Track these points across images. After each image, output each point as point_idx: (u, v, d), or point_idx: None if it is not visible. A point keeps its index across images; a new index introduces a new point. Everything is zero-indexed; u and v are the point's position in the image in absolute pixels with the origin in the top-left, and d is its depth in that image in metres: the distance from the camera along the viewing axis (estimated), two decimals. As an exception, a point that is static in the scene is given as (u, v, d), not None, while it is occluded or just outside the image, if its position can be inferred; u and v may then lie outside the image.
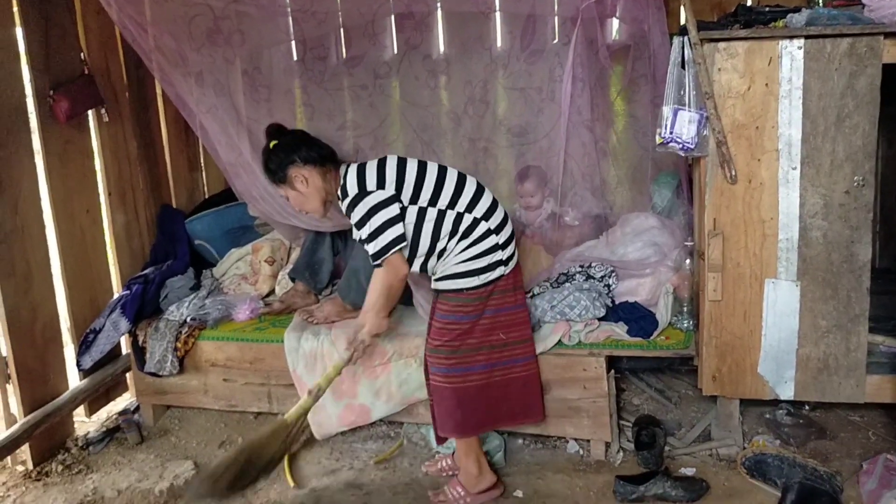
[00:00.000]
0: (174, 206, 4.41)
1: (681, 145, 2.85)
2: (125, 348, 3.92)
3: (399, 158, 2.90)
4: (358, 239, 2.89)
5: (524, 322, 3.03)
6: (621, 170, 3.93)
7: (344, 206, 2.87)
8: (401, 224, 2.79)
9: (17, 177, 3.34)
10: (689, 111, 2.82)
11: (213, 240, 4.23)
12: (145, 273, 3.94)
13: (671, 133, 2.85)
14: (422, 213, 2.83)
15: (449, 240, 2.85)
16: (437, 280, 2.93)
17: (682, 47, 2.81)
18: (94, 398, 3.80)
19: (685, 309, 3.31)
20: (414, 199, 2.83)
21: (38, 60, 3.44)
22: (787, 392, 3.02)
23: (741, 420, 3.23)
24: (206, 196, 4.66)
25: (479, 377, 2.94)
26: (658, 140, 2.88)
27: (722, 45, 2.78)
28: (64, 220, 3.63)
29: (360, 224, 2.81)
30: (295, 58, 4.06)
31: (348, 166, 2.92)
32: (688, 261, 3.34)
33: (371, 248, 2.80)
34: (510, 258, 2.91)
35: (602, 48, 3.35)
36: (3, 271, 3.27)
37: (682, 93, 2.83)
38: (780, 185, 2.85)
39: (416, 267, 2.93)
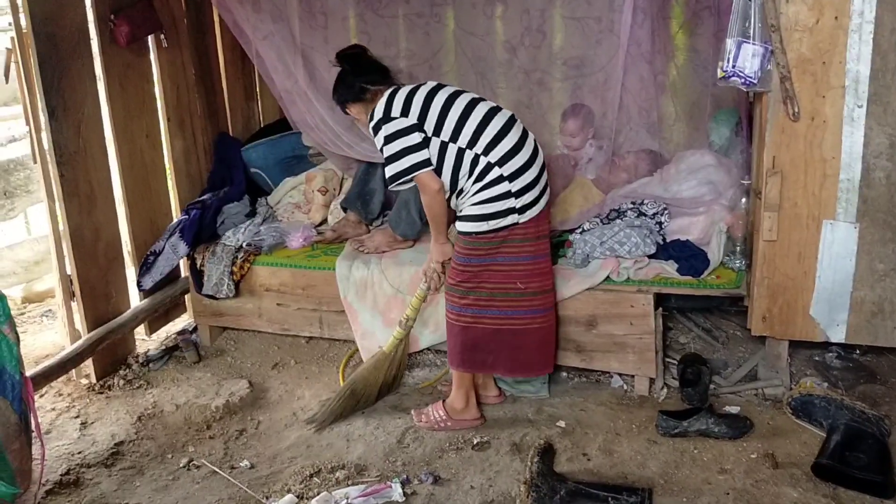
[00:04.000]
0: (230, 133, 4.47)
1: (743, 80, 2.77)
2: (184, 271, 4.04)
3: (432, 88, 2.91)
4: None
5: (545, 272, 3.01)
6: (679, 105, 3.82)
7: (370, 127, 2.95)
8: (423, 150, 2.83)
9: (80, 99, 3.42)
10: (754, 44, 2.73)
11: (268, 168, 4.29)
12: (203, 199, 4.03)
13: (734, 67, 2.76)
14: (443, 148, 2.84)
15: (466, 180, 2.86)
16: (457, 219, 2.97)
17: (750, -23, 2.71)
18: (154, 318, 3.94)
19: (738, 248, 3.26)
20: (437, 131, 2.84)
21: (100, -16, 3.48)
22: (838, 335, 2.98)
23: (789, 361, 3.21)
24: (262, 125, 4.70)
25: (491, 321, 2.97)
26: (720, 74, 2.80)
27: (791, -26, 2.68)
28: (125, 144, 3.72)
29: (382, 148, 2.91)
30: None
31: (389, 89, 2.96)
32: (743, 200, 3.27)
33: (388, 171, 2.88)
34: (527, 207, 2.85)
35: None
36: (67, 192, 3.38)
37: (746, 25, 2.74)
38: (845, 123, 2.77)
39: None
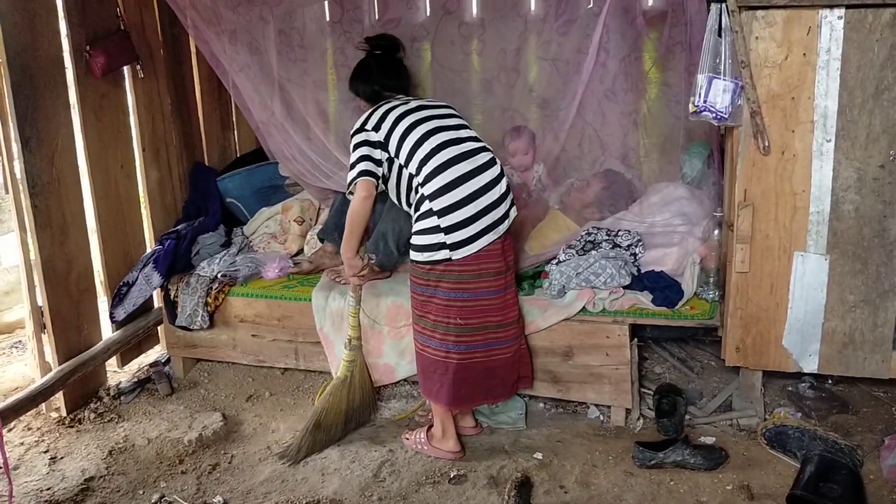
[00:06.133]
0: (206, 163, 4.46)
1: (714, 114, 2.82)
2: (157, 302, 4.00)
3: (406, 110, 2.96)
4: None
5: (487, 310, 2.96)
6: (652, 138, 3.89)
7: (351, 132, 3.04)
8: (377, 165, 2.94)
9: (54, 130, 3.40)
10: (724, 80, 2.79)
11: (244, 198, 4.28)
12: (177, 229, 4.00)
13: (705, 102, 2.82)
14: (400, 171, 2.94)
15: (412, 206, 2.96)
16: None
17: (720, 14, 2.77)
18: (127, 350, 3.89)
19: (711, 280, 3.30)
20: (397, 153, 2.93)
21: (75, 15, 3.48)
22: (810, 365, 3.01)
23: (763, 392, 3.23)
24: (238, 155, 4.70)
25: (433, 352, 2.99)
26: (691, 108, 2.85)
27: (760, 13, 2.74)
28: (99, 174, 3.70)
29: (350, 153, 2.99)
30: (329, 18, 4.03)
31: (380, 103, 3.06)
32: (716, 231, 3.32)
33: (349, 176, 2.97)
34: (460, 244, 2.84)
35: (639, 16, 3.30)
36: (39, 222, 3.34)
37: (717, 61, 2.79)
38: (814, 157, 2.82)
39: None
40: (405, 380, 3.54)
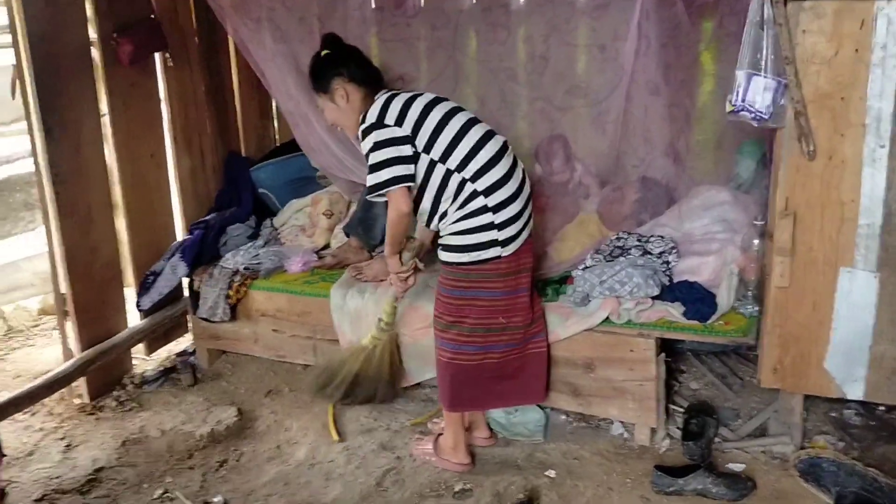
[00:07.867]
0: (243, 152, 4.42)
1: (753, 115, 2.57)
2: (186, 291, 3.99)
3: (430, 101, 2.73)
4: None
5: (526, 307, 2.85)
6: (703, 135, 3.64)
7: (360, 130, 2.76)
8: (410, 165, 2.67)
9: (79, 118, 3.39)
10: (766, 77, 2.54)
11: (276, 189, 4.22)
12: (207, 219, 3.97)
13: (743, 101, 2.57)
14: (431, 166, 2.69)
15: (450, 204, 2.70)
16: (439, 247, 2.81)
17: (762, 5, 2.52)
18: (154, 338, 3.90)
19: (750, 293, 3.03)
20: (427, 148, 2.68)
21: (103, 2, 3.45)
22: (855, 391, 2.74)
23: (804, 416, 2.97)
24: (277, 144, 4.64)
25: (469, 357, 2.81)
26: (728, 108, 2.61)
27: (808, 3, 2.47)
28: (128, 163, 3.68)
29: (368, 155, 2.72)
30: (348, 6, 3.90)
31: (384, 93, 2.80)
32: (756, 241, 3.05)
33: (370, 179, 2.70)
34: (510, 240, 2.70)
35: (679, 2, 3.06)
36: (63, 211, 3.34)
37: (758, 56, 2.54)
38: (865, 164, 2.54)
39: (422, 222, 2.85)
40: (422, 383, 3.41)
